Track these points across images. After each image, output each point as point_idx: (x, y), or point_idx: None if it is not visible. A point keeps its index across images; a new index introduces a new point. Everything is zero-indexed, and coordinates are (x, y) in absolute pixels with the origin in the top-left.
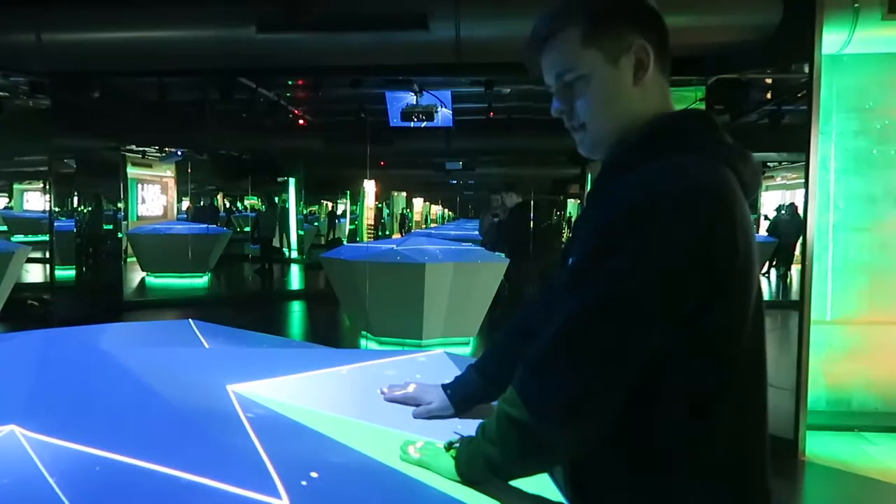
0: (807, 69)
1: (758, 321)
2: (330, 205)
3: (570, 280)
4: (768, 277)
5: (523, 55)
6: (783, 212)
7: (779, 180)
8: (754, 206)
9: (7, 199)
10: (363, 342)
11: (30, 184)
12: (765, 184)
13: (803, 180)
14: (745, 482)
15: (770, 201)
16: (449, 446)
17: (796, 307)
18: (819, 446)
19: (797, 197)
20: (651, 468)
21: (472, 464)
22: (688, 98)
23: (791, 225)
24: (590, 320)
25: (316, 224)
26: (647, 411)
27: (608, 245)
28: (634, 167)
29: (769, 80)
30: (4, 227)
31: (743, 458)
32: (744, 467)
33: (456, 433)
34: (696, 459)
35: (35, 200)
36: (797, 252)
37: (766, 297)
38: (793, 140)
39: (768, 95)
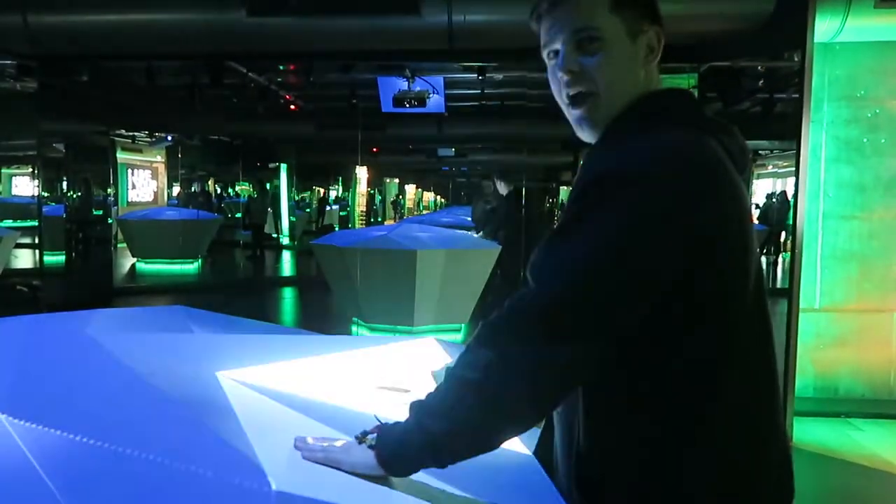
0: (799, 57)
1: (759, 292)
2: (322, 191)
3: (544, 249)
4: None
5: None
6: (774, 200)
7: (770, 168)
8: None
9: None
10: (354, 329)
11: (18, 168)
12: (756, 171)
13: (794, 168)
14: (752, 465)
15: (761, 189)
16: (363, 437)
17: (785, 295)
18: (806, 433)
19: (788, 185)
20: (653, 448)
21: (404, 448)
22: (680, 85)
23: (781, 212)
24: (565, 286)
25: (308, 210)
26: (646, 387)
27: (583, 213)
28: (617, 144)
29: (761, 68)
30: None
31: (749, 435)
32: (750, 445)
33: (376, 422)
34: (700, 437)
35: (24, 185)
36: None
37: None
38: (784, 128)
39: (760, 83)
